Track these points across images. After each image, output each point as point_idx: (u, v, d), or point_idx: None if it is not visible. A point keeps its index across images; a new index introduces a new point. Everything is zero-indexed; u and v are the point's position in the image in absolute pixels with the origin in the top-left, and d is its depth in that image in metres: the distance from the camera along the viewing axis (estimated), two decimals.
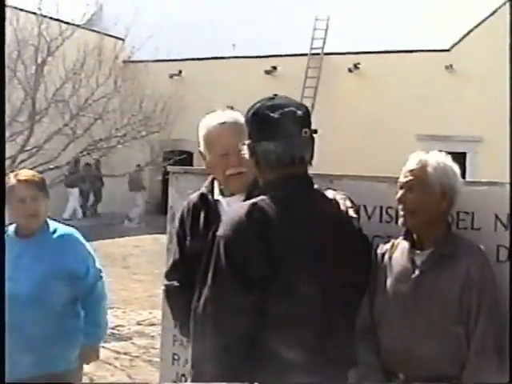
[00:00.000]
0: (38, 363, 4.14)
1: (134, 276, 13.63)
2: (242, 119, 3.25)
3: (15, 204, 4.14)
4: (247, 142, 2.85)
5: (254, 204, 2.67)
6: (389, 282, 3.27)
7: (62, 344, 4.25)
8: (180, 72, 24.53)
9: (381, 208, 3.57)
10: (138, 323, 9.98)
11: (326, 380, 2.63)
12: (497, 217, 3.37)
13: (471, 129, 20.58)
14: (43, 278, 4.12)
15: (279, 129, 2.74)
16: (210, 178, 3.58)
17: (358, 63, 22.21)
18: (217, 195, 3.48)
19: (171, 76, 24.18)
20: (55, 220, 4.41)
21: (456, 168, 3.29)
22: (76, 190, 23.11)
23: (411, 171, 3.24)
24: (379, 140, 20.61)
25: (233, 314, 2.57)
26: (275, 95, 2.89)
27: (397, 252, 3.31)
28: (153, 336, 9.20)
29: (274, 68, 23.33)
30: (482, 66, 20.11)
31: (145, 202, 23.39)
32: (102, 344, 8.67)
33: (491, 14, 20.86)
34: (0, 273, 3.46)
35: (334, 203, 2.86)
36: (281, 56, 22.98)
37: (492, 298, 3.14)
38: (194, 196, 3.58)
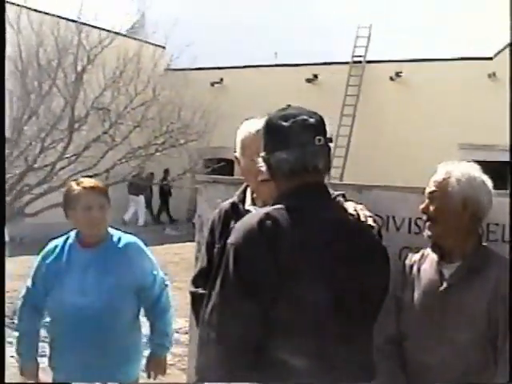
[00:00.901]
0: (101, 377, 4.11)
1: (173, 284, 13.63)
2: None
3: (81, 212, 4.09)
4: (262, 153, 2.82)
5: (267, 213, 2.64)
6: (416, 293, 3.21)
7: (125, 357, 4.21)
8: (221, 80, 24.56)
9: (410, 219, 3.52)
10: (175, 331, 9.94)
11: None
12: None
13: None
14: (112, 290, 4.08)
15: (291, 138, 2.70)
16: (242, 187, 3.55)
17: (400, 72, 22.03)
18: (248, 205, 3.45)
19: (212, 84, 24.22)
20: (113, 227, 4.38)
21: (485, 179, 3.21)
22: (141, 198, 23.47)
23: (435, 182, 3.20)
24: (421, 149, 20.40)
25: (239, 322, 2.53)
26: (288, 105, 2.85)
27: (426, 264, 3.25)
28: (188, 344, 9.17)
29: (315, 76, 23.24)
30: None
31: (187, 209, 23.43)
32: None
33: None
34: (0, 273, 3.46)
35: (354, 213, 2.80)
36: (322, 64, 22.90)
37: None
38: (226, 204, 3.56)
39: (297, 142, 2.69)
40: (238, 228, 2.65)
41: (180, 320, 10.51)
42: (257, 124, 3.37)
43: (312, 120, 2.72)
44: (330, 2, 24.19)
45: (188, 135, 12.35)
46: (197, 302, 3.60)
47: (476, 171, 3.21)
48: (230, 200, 3.57)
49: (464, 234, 3.16)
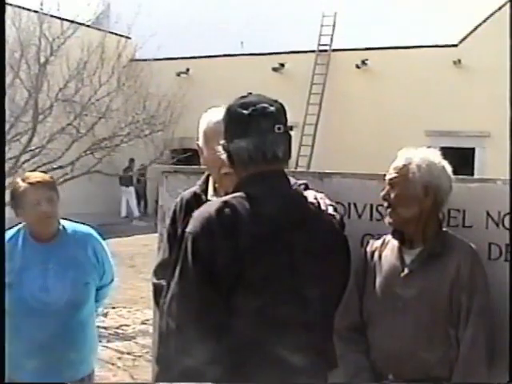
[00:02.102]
0: (65, 371, 4.07)
1: (140, 275, 13.59)
2: None
3: (29, 208, 3.95)
4: (222, 141, 2.79)
5: (225, 201, 2.62)
6: (378, 280, 3.22)
7: (88, 348, 4.19)
8: (187, 70, 24.46)
9: (371, 206, 3.52)
10: (143, 322, 9.91)
11: (302, 381, 2.56)
12: (488, 214, 3.32)
13: (479, 124, 20.46)
14: (75, 284, 4.04)
15: (250, 126, 2.67)
16: (204, 177, 3.52)
17: (366, 59, 22.08)
18: (210, 195, 3.42)
19: (178, 74, 24.10)
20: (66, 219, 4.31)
21: (445, 166, 3.22)
22: (131, 189, 23.45)
23: (395, 168, 3.20)
24: (388, 136, 20.46)
25: (198, 311, 2.52)
26: (249, 93, 2.83)
27: (387, 250, 3.26)
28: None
29: (282, 65, 23.22)
30: (491, 61, 19.97)
31: (154, 200, 23.39)
32: (105, 344, 8.71)
33: (499, 8, 20.71)
34: (0, 272, 3.41)
35: (314, 202, 2.79)
36: (288, 53, 22.89)
37: (483, 299, 3.08)
38: (187, 194, 3.53)
39: (256, 130, 2.66)
40: (196, 217, 2.62)
41: (149, 311, 10.48)
42: (220, 113, 3.34)
43: (272, 108, 2.69)
44: None
45: (153, 126, 12.29)
46: (159, 293, 3.58)
47: (436, 157, 3.21)
48: (192, 189, 3.55)
49: (425, 220, 3.16)
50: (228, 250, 2.51)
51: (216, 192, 3.43)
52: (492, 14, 20.83)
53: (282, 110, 2.73)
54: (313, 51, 22.69)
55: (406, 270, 3.15)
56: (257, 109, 2.67)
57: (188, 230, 2.59)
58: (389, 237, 3.28)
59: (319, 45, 22.83)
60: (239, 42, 24.36)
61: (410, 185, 3.13)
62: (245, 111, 2.68)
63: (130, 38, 15.13)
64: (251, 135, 2.67)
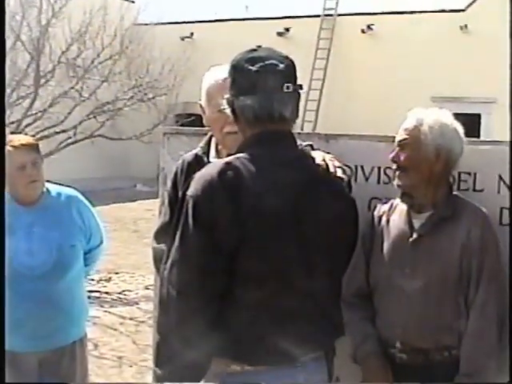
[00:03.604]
0: (55, 336, 4.01)
1: (144, 240, 13.53)
2: None
3: (14, 172, 3.85)
4: (227, 96, 2.68)
5: (228, 163, 2.51)
6: (386, 245, 3.11)
7: (77, 311, 4.12)
8: (192, 34, 24.22)
9: (379, 169, 3.41)
10: (146, 288, 9.84)
11: (308, 348, 2.48)
12: (500, 178, 3.20)
13: (485, 90, 20.26)
14: (62, 247, 3.96)
15: (258, 83, 2.56)
16: (206, 138, 3.41)
17: (372, 24, 21.83)
18: (212, 157, 3.31)
19: (182, 38, 23.87)
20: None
21: (457, 127, 3.09)
22: None
23: (406, 130, 3.07)
24: (393, 102, 20.25)
25: (200, 278, 2.42)
26: (258, 47, 2.70)
27: (395, 214, 3.15)
28: None
29: (287, 30, 22.97)
30: (497, 27, 19.67)
31: (157, 165, 23.27)
32: (107, 309, 8.66)
33: None
34: (0, 272, 3.31)
35: (322, 163, 2.67)
36: (293, 17, 22.64)
37: (494, 263, 2.97)
38: (188, 156, 3.42)
39: (263, 87, 2.55)
40: (197, 179, 2.52)
41: (151, 276, 10.43)
42: (223, 72, 3.22)
43: (281, 65, 2.57)
44: None
45: (157, 90, 12.15)
46: (159, 258, 3.48)
47: (448, 118, 3.09)
48: (193, 151, 3.44)
49: (435, 184, 3.05)
50: (231, 214, 2.41)
51: (218, 153, 3.32)
52: None
53: (292, 67, 2.61)
54: (318, 16, 22.42)
55: (415, 235, 3.04)
56: (265, 65, 2.56)
57: (189, 193, 2.49)
58: (397, 201, 3.17)
59: (324, 9, 22.55)
60: (244, 6, 24.04)
61: (421, 147, 3.01)
62: (252, 67, 2.56)
63: (133, 2, 14.93)
64: (258, 93, 2.56)
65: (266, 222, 2.43)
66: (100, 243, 4.27)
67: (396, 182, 3.09)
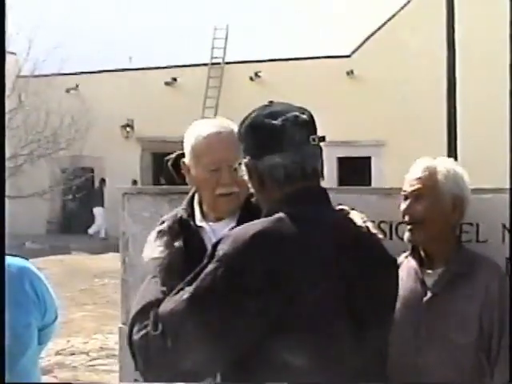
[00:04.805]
0: None
1: None
2: (235, 129, 2.79)
3: None
4: (245, 160, 2.38)
5: (265, 224, 2.21)
6: (397, 307, 2.88)
7: None
8: (77, 86, 23.72)
9: (372, 223, 3.19)
10: (58, 353, 9.31)
11: None
12: (504, 227, 3.03)
13: (374, 133, 20.66)
14: (15, 326, 3.52)
15: (284, 138, 2.28)
16: (187, 200, 3.09)
17: (259, 71, 22.00)
18: (199, 220, 2.99)
19: (68, 90, 23.33)
20: None
21: (466, 176, 2.93)
22: (99, 209, 22.80)
23: (419, 179, 2.87)
24: None
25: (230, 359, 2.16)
26: (271, 102, 2.45)
27: (402, 272, 2.92)
28: (75, 367, 8.62)
29: (174, 79, 22.87)
30: (383, 71, 20.22)
31: (46, 221, 22.54)
32: None
33: (389, 19, 21.03)
34: (0, 272, 2.93)
35: (363, 225, 2.43)
36: (180, 66, 22.57)
37: None
38: (169, 219, 3.07)
39: (291, 142, 2.28)
40: (234, 239, 2.18)
41: (61, 341, 9.88)
42: (214, 125, 2.94)
43: (304, 116, 2.32)
44: (185, 2, 23.81)
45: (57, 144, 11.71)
46: (152, 348, 2.95)
47: (457, 166, 2.93)
48: (172, 214, 3.10)
49: (447, 237, 2.87)
50: (270, 284, 2.11)
51: (205, 217, 3.00)
52: (383, 25, 21.09)
53: (312, 117, 2.36)
54: (206, 64, 22.45)
55: (429, 294, 2.83)
56: (288, 118, 2.29)
57: (221, 252, 2.17)
58: (401, 258, 2.96)
59: (212, 58, 22.60)
60: (127, 57, 23.77)
61: (438, 197, 2.82)
62: (275, 121, 2.29)
63: (14, 54, 14.46)
64: (286, 149, 2.28)
65: (312, 290, 2.15)
66: (55, 318, 3.88)
67: (407, 236, 2.88)
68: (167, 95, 22.20)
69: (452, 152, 11.07)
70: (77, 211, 22.44)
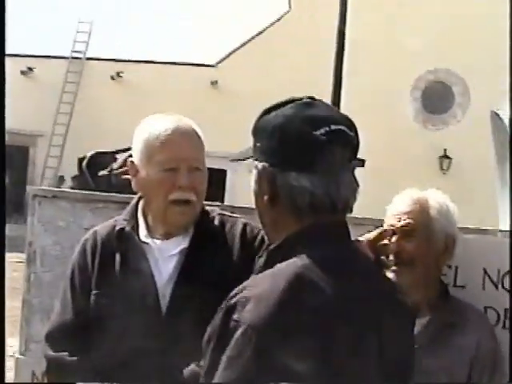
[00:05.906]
0: None
1: None
2: (196, 128, 2.50)
3: None
4: (261, 164, 1.78)
5: (298, 273, 1.66)
6: None
7: None
8: None
9: None
10: None
11: None
12: (485, 272, 2.72)
13: (233, 145, 20.29)
14: None
15: (324, 157, 1.71)
16: (130, 208, 2.59)
17: (122, 71, 21.28)
18: (144, 235, 2.50)
19: None
20: None
21: (456, 212, 2.58)
22: None
23: (409, 213, 2.48)
24: None
25: None
26: (311, 98, 1.81)
27: None
28: None
29: (30, 69, 21.74)
30: (248, 84, 20.03)
31: None
32: None
33: (258, 34, 20.90)
34: (0, 272, 2.38)
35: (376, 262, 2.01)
36: (38, 57, 21.48)
37: (504, 378, 2.48)
38: (103, 230, 2.57)
39: (329, 164, 1.72)
40: (257, 301, 1.63)
41: None
42: (170, 121, 2.49)
43: (351, 133, 1.77)
44: None
45: None
46: (56, 371, 2.56)
47: (448, 200, 2.58)
48: (109, 224, 2.59)
49: (434, 281, 2.52)
50: (308, 349, 1.63)
51: (151, 231, 2.51)
52: (251, 39, 20.93)
53: (357, 134, 1.78)
54: (66, 57, 21.48)
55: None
56: (334, 132, 1.72)
57: (246, 320, 1.61)
58: None
59: (73, 51, 21.65)
60: None
61: (431, 235, 2.46)
62: (316, 132, 1.71)
63: None
64: (321, 171, 1.71)
65: (354, 352, 1.70)
66: None
67: (392, 277, 2.49)
68: (22, 85, 21.09)
69: None
70: None
